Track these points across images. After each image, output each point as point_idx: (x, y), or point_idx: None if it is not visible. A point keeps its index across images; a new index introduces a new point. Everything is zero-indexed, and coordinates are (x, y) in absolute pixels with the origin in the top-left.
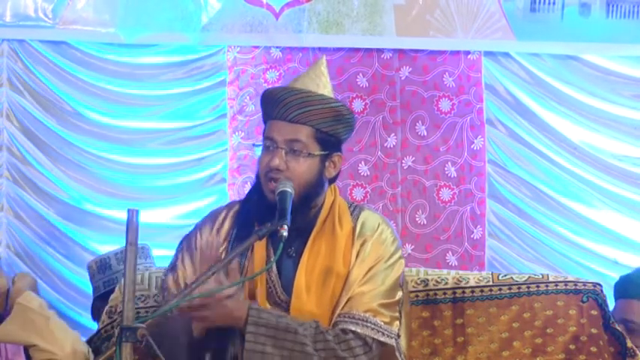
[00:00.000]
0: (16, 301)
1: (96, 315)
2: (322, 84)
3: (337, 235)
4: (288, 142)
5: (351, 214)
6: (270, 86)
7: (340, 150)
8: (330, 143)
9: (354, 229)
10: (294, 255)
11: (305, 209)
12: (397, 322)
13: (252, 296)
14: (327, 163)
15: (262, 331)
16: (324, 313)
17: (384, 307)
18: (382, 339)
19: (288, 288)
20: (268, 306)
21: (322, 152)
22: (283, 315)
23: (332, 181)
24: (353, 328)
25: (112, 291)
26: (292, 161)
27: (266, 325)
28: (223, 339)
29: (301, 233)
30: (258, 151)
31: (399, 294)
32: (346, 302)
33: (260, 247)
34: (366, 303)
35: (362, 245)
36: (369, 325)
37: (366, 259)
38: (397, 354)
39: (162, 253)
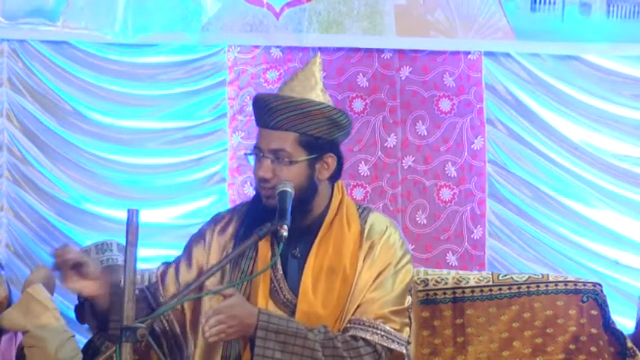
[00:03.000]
0: (26, 289)
1: (80, 314)
2: (310, 86)
3: (345, 235)
4: (272, 151)
5: (360, 216)
6: (263, 91)
7: (333, 150)
8: (317, 146)
9: (362, 230)
10: (299, 256)
11: (301, 212)
12: (407, 329)
13: (254, 295)
14: (317, 166)
15: (272, 336)
16: (330, 315)
17: (395, 314)
18: (392, 346)
19: (294, 288)
20: (271, 305)
21: (309, 157)
22: (292, 320)
23: (333, 179)
24: (363, 335)
25: None
26: (278, 169)
27: (276, 330)
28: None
29: (306, 233)
30: (252, 159)
31: (409, 299)
32: (356, 308)
33: (264, 247)
34: (377, 309)
35: (370, 248)
36: (379, 332)
37: (374, 264)
38: None
39: (161, 253)
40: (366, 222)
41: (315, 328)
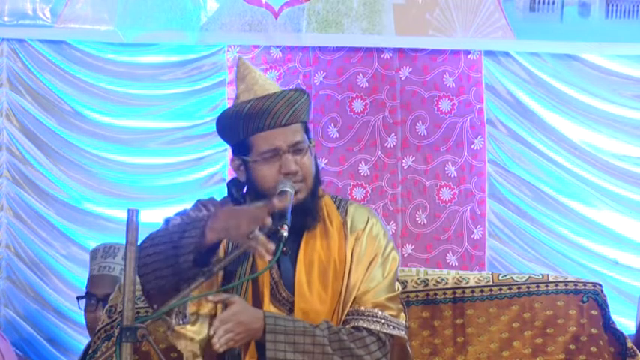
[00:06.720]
0: None
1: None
2: (271, 82)
3: (329, 230)
4: (292, 145)
5: (338, 208)
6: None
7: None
8: (309, 133)
9: (344, 223)
10: (289, 252)
11: (316, 202)
12: (403, 314)
13: (257, 297)
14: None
15: (281, 338)
16: (328, 310)
17: (390, 301)
18: (393, 332)
19: (289, 286)
20: (273, 307)
21: (310, 144)
22: (297, 319)
23: None
24: (365, 325)
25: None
26: (299, 161)
27: (284, 331)
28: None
29: (292, 230)
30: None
31: (399, 286)
32: (353, 300)
33: None
34: (372, 298)
35: (356, 241)
36: (379, 319)
37: (363, 257)
38: (407, 345)
39: None
40: (346, 213)
41: (319, 324)
